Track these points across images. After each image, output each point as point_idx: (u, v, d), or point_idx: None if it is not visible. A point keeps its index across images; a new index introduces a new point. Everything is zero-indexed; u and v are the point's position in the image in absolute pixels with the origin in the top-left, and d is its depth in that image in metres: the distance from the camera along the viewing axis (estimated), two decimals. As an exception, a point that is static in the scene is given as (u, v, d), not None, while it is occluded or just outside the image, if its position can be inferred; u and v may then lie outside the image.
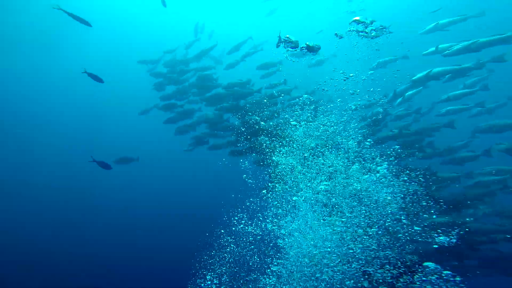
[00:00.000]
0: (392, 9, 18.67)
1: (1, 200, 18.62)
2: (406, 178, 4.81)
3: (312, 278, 4.65)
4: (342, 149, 5.27)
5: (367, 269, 4.30)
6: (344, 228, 4.69)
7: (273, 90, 8.30)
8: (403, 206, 4.70)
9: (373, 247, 4.48)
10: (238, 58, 9.03)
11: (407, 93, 7.45)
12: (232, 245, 5.63)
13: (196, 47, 9.78)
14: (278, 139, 6.28)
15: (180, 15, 21.71)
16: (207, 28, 12.19)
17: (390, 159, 5.08)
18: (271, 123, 7.31)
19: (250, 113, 8.05)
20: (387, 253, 4.39)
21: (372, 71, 6.39)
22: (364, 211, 4.69)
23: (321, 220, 4.91)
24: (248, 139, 8.15)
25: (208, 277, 5.31)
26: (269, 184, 5.71)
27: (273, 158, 5.66)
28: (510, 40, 5.99)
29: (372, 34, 4.68)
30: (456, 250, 5.45)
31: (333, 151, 5.31)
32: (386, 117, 7.98)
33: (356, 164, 5.08)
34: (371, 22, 4.56)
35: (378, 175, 4.89)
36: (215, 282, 5.28)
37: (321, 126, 5.51)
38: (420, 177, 5.08)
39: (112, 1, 21.80)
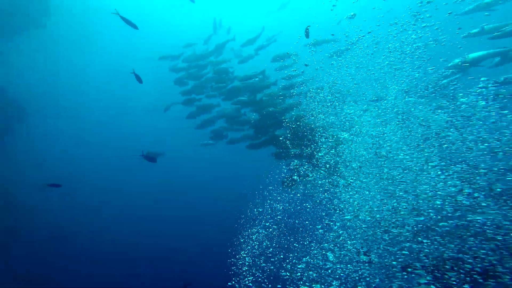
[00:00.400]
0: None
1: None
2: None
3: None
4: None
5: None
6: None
7: (290, 81, 8.35)
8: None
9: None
10: (252, 51, 9.09)
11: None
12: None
13: (215, 42, 9.92)
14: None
15: (194, 12, 21.99)
16: (224, 24, 12.31)
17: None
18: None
19: (268, 107, 8.19)
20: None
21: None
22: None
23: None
24: (267, 132, 8.32)
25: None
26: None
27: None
28: None
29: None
30: None
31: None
32: None
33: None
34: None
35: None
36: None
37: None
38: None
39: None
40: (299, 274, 5.29)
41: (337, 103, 6.77)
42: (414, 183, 5.07)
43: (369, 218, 5.20)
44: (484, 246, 4.12)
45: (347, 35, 6.97)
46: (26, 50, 19.46)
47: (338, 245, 5.26)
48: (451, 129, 5.28)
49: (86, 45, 24.26)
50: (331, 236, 5.41)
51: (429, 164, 5.12)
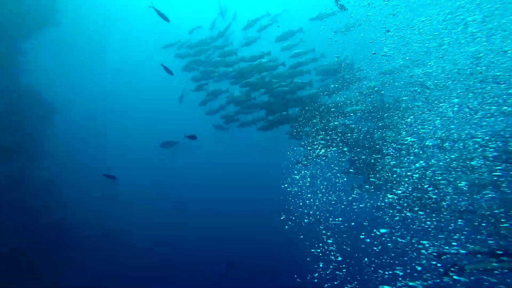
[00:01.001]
0: None
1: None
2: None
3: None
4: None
5: None
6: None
7: (298, 59, 8.16)
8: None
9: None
10: (254, 34, 8.86)
11: None
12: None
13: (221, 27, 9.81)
14: None
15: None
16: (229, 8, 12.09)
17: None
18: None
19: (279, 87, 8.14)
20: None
21: None
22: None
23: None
24: (281, 111, 8.33)
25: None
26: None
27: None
28: None
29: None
30: None
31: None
32: None
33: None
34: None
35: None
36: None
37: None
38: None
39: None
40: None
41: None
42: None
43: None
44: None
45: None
46: (46, 48, 20.58)
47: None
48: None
49: (101, 41, 25.13)
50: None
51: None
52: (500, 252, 4.61)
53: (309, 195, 8.08)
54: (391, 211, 6.58)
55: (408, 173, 6.32)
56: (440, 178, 6.05)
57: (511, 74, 6.02)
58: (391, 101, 7.44)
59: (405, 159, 6.48)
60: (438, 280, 5.07)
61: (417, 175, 6.26)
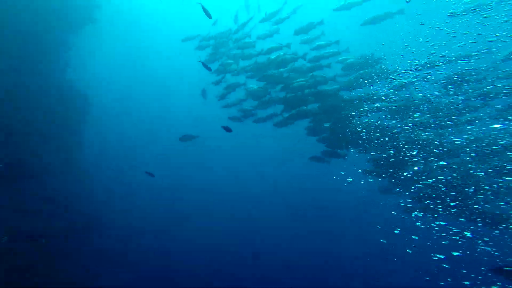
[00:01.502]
0: None
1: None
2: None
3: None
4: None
5: None
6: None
7: (320, 52, 7.83)
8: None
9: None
10: (271, 28, 8.56)
11: None
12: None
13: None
14: None
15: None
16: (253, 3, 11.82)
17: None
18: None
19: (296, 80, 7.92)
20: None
21: None
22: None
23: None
24: (299, 106, 8.13)
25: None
26: None
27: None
28: None
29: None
30: None
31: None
32: None
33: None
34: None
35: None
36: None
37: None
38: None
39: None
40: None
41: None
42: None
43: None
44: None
45: None
46: (85, 44, 22.14)
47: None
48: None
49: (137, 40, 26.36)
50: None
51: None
52: None
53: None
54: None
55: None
56: None
57: None
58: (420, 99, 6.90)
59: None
60: None
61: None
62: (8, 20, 11.20)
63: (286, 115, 8.42)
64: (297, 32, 8.07)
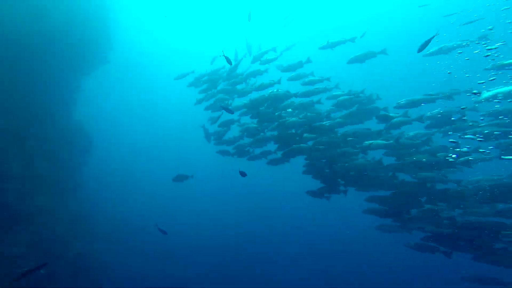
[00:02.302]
0: None
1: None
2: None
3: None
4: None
5: None
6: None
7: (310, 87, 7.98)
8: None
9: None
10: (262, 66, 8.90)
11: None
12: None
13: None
14: None
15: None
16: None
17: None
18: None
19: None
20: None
21: None
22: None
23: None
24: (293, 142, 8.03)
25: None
26: None
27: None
28: None
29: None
30: None
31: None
32: None
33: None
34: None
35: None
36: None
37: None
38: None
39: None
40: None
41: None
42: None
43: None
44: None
45: None
46: (95, 85, 23.49)
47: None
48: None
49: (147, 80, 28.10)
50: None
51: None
52: None
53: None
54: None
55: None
56: None
57: None
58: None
59: None
60: None
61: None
62: (19, 61, 11.80)
63: (280, 153, 8.32)
64: (284, 70, 8.34)
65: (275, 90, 8.15)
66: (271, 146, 9.01)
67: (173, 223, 23.31)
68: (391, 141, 6.87)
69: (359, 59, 7.65)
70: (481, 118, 6.22)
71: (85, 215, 14.72)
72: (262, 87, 8.42)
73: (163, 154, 33.14)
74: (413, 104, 6.80)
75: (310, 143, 8.08)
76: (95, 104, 28.80)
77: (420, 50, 5.61)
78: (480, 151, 6.43)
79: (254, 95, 8.67)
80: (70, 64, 14.98)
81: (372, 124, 7.40)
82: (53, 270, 11.07)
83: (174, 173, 9.94)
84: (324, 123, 7.59)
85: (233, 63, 9.75)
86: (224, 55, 7.48)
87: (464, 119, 6.35)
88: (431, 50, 6.85)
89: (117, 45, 20.66)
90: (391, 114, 7.05)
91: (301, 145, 7.97)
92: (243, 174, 7.71)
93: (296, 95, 8.09)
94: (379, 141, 6.95)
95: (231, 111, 7.88)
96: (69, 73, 15.45)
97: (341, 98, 7.78)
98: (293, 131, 8.01)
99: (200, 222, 25.52)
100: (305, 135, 7.98)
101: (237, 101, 9.43)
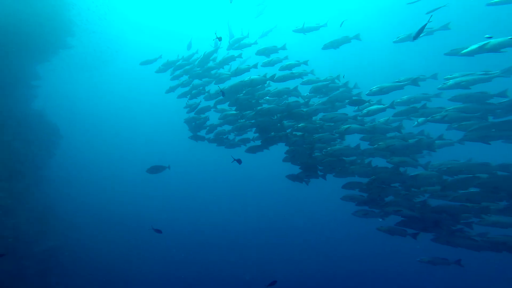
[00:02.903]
0: None
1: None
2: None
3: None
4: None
5: None
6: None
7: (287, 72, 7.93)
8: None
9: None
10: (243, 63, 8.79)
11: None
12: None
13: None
14: None
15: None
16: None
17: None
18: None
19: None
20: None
21: None
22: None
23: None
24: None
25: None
26: None
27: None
28: None
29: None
30: None
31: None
32: None
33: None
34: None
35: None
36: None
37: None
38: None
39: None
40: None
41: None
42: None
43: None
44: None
45: None
46: (57, 71, 21.98)
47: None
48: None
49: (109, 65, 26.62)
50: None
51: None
52: None
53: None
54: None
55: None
56: None
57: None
58: None
59: None
60: None
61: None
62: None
63: (258, 141, 8.33)
64: (259, 53, 8.26)
65: (252, 76, 8.07)
66: (251, 134, 9.00)
67: (148, 216, 22.91)
68: (366, 126, 7.11)
69: (334, 45, 7.72)
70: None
71: (54, 210, 14.03)
72: (239, 72, 8.29)
73: (137, 144, 32.06)
74: (385, 91, 7.03)
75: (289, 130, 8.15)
76: (62, 93, 27.04)
77: (414, 38, 5.73)
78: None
79: (232, 81, 8.53)
80: (25, 50, 13.91)
81: (349, 111, 7.58)
82: (17, 268, 10.56)
83: (149, 164, 9.61)
84: (303, 109, 7.66)
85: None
86: (217, 37, 7.47)
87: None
88: (400, 37, 7.06)
89: (80, 28, 19.46)
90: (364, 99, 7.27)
91: (280, 133, 8.03)
92: (239, 161, 7.65)
93: (272, 79, 8.05)
94: (355, 125, 7.15)
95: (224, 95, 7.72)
96: (23, 59, 14.35)
97: (318, 83, 7.86)
98: (274, 117, 8.01)
99: (176, 212, 25.33)
100: (285, 122, 8.02)
101: (215, 88, 9.24)
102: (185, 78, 9.54)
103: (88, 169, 26.68)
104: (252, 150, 8.48)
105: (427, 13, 7.38)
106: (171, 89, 9.85)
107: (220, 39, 7.65)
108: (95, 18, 21.49)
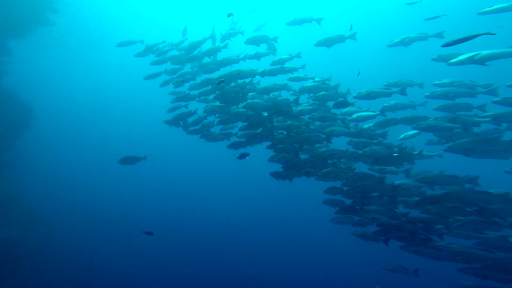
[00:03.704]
0: None
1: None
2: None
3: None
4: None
5: None
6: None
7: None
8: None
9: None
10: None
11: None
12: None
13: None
14: None
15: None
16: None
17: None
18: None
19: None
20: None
21: None
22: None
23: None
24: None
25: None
26: None
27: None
28: None
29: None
30: None
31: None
32: None
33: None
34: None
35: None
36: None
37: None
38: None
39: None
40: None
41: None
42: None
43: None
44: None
45: None
46: (35, 49, 20.94)
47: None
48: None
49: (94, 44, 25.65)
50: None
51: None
52: None
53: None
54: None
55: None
56: None
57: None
58: None
59: None
60: None
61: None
62: None
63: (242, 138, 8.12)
64: (248, 42, 8.04)
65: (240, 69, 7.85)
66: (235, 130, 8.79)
67: (120, 207, 22.30)
68: (352, 130, 7.06)
69: (327, 43, 7.58)
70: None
71: (15, 198, 13.29)
72: (226, 62, 8.05)
73: (114, 131, 31.06)
74: (374, 96, 6.99)
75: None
76: (40, 73, 25.85)
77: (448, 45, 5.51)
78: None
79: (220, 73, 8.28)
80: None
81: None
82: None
83: (122, 154, 9.19)
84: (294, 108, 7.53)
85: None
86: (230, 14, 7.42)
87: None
88: (395, 41, 7.05)
89: (63, 4, 18.63)
90: (350, 102, 7.22)
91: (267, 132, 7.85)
92: (243, 156, 7.58)
93: (262, 74, 7.86)
94: (340, 128, 7.07)
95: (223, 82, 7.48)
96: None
97: (309, 84, 7.72)
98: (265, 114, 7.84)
99: (147, 206, 24.84)
100: (275, 120, 7.84)
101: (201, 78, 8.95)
102: (169, 65, 9.20)
103: (61, 156, 25.68)
104: (235, 146, 8.25)
105: (426, 19, 7.39)
106: (152, 76, 9.50)
107: (231, 15, 7.50)
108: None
